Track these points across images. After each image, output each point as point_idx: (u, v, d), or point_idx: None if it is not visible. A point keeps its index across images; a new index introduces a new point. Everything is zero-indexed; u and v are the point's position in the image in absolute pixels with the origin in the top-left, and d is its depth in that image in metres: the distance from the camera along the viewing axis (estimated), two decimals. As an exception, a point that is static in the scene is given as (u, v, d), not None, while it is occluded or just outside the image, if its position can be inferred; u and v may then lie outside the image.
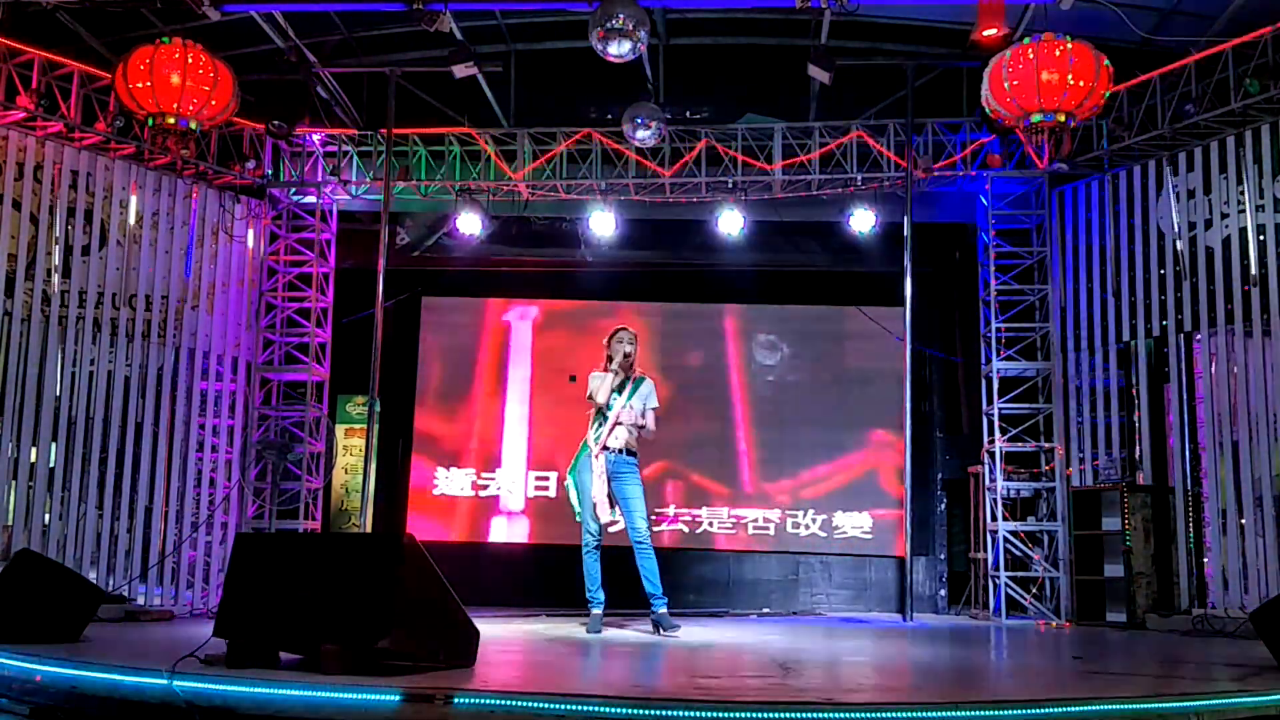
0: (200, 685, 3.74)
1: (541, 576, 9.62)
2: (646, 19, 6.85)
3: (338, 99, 9.31)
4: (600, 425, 6.51)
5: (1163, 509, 8.28)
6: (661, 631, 6.41)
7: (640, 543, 6.42)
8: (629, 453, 6.52)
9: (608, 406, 6.49)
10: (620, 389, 6.52)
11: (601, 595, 6.52)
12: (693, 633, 6.79)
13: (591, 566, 6.48)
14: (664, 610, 6.46)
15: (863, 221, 9.08)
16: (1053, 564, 8.73)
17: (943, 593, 9.91)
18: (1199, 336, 8.14)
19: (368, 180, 9.52)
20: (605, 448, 6.47)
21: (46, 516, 7.91)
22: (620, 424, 6.48)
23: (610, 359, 6.57)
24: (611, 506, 6.49)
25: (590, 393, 6.56)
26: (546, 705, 3.48)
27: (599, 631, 6.42)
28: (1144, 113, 8.23)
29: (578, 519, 6.63)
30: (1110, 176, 8.79)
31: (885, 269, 9.52)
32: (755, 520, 10.12)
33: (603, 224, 9.31)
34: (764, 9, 8.45)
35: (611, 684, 4.22)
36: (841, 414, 10.22)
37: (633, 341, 6.57)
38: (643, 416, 6.57)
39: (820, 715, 3.45)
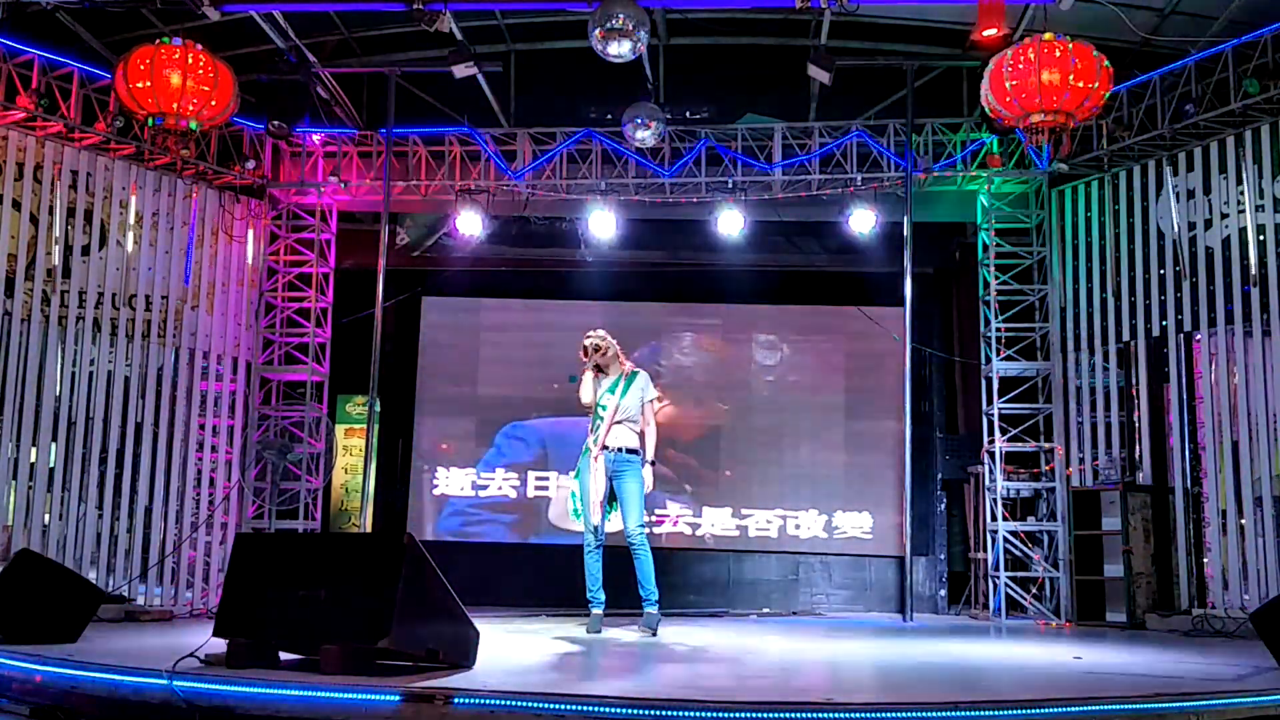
0: (200, 685, 3.74)
1: (541, 576, 9.60)
2: (646, 19, 6.84)
3: (338, 99, 9.31)
4: (597, 426, 6.50)
5: (1163, 509, 8.28)
6: (644, 630, 6.41)
7: (633, 543, 6.41)
8: (629, 450, 6.49)
9: (601, 406, 6.48)
10: (613, 387, 6.50)
11: (602, 595, 6.52)
12: (693, 633, 6.79)
13: (593, 566, 6.47)
14: (652, 611, 6.46)
15: (863, 221, 9.07)
16: (1053, 564, 8.73)
17: (943, 593, 9.90)
18: (1199, 336, 8.14)
19: (368, 180, 9.52)
20: (605, 447, 6.45)
21: (46, 516, 7.91)
22: (618, 422, 6.46)
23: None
24: (610, 506, 6.49)
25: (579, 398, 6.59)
26: (546, 705, 3.48)
27: (599, 631, 6.41)
28: (1144, 113, 8.23)
29: (575, 518, 6.63)
30: (1110, 176, 8.79)
31: (885, 269, 9.51)
32: (755, 520, 10.11)
33: (603, 224, 9.31)
34: (764, 9, 8.44)
35: (611, 684, 4.22)
36: (841, 414, 10.22)
37: (599, 344, 6.49)
38: (641, 411, 6.54)
39: (820, 715, 3.45)
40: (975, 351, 9.31)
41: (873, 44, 9.03)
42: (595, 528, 6.44)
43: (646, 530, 6.56)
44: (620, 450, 6.46)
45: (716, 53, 9.50)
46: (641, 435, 6.56)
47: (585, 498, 6.48)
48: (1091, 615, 8.33)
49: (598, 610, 6.50)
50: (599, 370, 6.53)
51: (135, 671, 3.95)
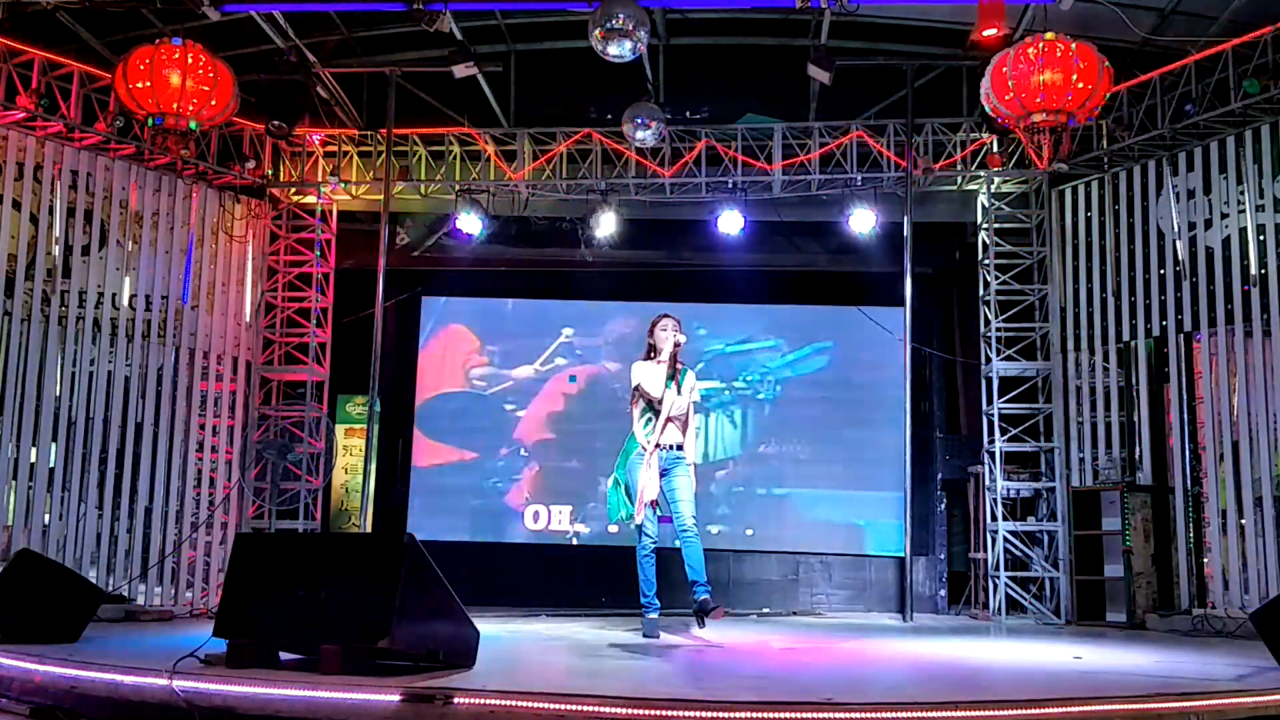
0: (200, 685, 3.74)
1: (542, 576, 9.61)
2: (646, 19, 6.83)
3: (338, 99, 9.30)
4: (651, 421, 6.13)
5: (1163, 509, 8.28)
6: (704, 619, 6.10)
7: (685, 530, 6.09)
8: (678, 447, 6.18)
9: (660, 401, 6.10)
10: (668, 383, 6.12)
11: (658, 601, 6.20)
12: (693, 633, 6.78)
13: (648, 569, 6.17)
14: (706, 598, 6.02)
15: (863, 221, 9.07)
16: (1053, 564, 8.73)
17: (943, 593, 9.90)
18: (1199, 336, 8.14)
19: (368, 180, 9.52)
20: (658, 445, 6.10)
21: (46, 516, 7.91)
22: (671, 419, 6.12)
23: (654, 349, 6.20)
24: (656, 506, 6.18)
25: (637, 385, 6.17)
26: (546, 705, 3.48)
27: (656, 636, 6.12)
28: (1144, 113, 8.23)
29: (616, 521, 6.38)
30: (1110, 176, 8.79)
31: (885, 269, 9.51)
32: (755, 520, 10.11)
33: (603, 224, 9.31)
34: (764, 9, 8.44)
35: (611, 684, 4.22)
36: (841, 414, 10.21)
37: (679, 329, 6.20)
38: (687, 410, 6.22)
39: (820, 715, 3.45)
40: (975, 351, 9.31)
41: (872, 44, 9.03)
42: (654, 530, 6.12)
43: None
44: (671, 448, 6.16)
45: (716, 53, 9.50)
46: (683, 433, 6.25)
47: (634, 496, 6.10)
48: (1091, 615, 8.32)
49: (654, 615, 6.18)
50: (653, 359, 6.17)
51: (135, 671, 3.95)
